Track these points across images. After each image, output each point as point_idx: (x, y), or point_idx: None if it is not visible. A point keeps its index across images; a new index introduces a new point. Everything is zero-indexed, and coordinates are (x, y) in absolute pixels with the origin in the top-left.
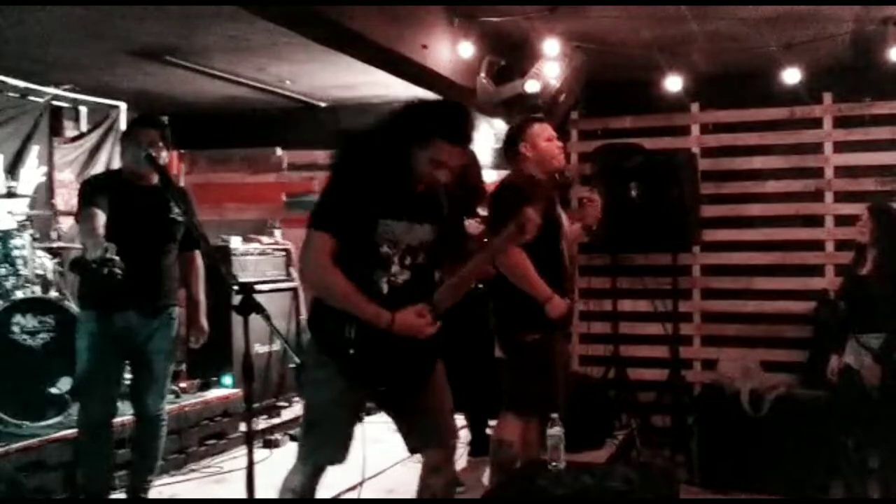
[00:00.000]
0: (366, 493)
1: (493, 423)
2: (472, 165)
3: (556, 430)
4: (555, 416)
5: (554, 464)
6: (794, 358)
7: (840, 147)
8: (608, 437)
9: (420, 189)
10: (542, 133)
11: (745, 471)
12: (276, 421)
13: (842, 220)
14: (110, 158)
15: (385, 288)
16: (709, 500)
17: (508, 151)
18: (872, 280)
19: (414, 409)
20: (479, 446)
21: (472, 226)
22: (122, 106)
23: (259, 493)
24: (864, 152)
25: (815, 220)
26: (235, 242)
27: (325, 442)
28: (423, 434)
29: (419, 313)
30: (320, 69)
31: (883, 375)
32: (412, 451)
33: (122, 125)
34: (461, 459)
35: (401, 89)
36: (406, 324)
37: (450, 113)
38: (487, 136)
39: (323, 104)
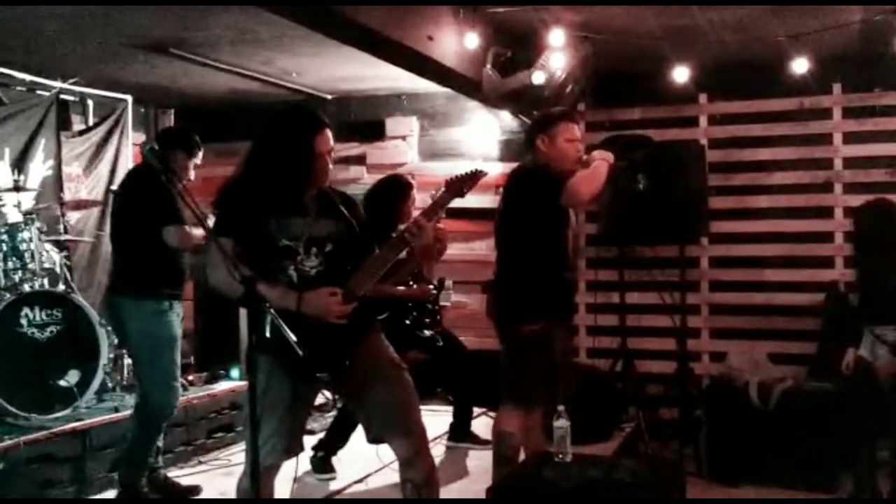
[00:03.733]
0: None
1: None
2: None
3: (562, 423)
4: (561, 408)
5: (560, 456)
6: (803, 350)
7: (849, 138)
8: (615, 430)
9: (317, 183)
10: (565, 132)
11: (753, 463)
12: None
13: (851, 212)
14: (117, 152)
15: (294, 276)
16: (726, 500)
17: (528, 141)
18: (885, 273)
19: (366, 400)
20: (459, 432)
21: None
22: (129, 99)
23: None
24: (874, 143)
25: (825, 212)
26: None
27: (267, 437)
28: (381, 425)
29: (330, 293)
30: (327, 62)
31: None
32: (370, 441)
33: (129, 118)
34: (438, 446)
35: (407, 81)
36: (314, 302)
37: (303, 108)
38: (493, 128)
39: (330, 97)
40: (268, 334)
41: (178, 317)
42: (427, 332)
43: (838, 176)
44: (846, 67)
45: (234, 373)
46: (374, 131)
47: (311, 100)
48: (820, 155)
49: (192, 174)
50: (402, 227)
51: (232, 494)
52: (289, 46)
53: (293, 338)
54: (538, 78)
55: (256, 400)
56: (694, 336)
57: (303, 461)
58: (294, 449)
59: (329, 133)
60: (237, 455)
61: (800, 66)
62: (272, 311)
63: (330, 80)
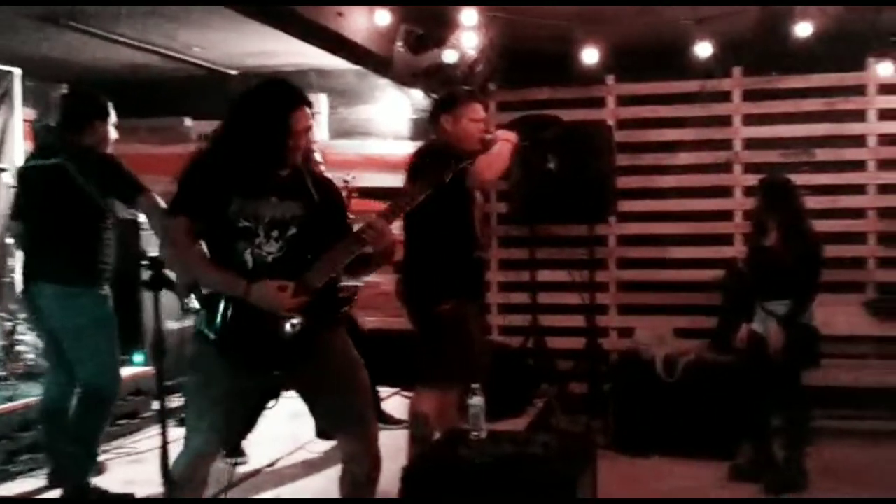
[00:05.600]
0: (285, 465)
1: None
2: None
3: (477, 400)
4: (476, 386)
5: (475, 433)
6: (706, 324)
7: (748, 120)
8: (527, 406)
9: (289, 162)
10: (469, 111)
11: (659, 434)
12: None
13: (750, 191)
14: (4, 126)
15: (250, 260)
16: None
17: (432, 119)
18: (777, 250)
19: (315, 393)
20: None
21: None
22: (17, 72)
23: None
24: (771, 125)
25: (725, 191)
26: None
27: (203, 427)
28: (331, 423)
29: (280, 287)
30: (232, 36)
31: (785, 340)
32: (318, 435)
33: (17, 92)
34: None
35: (316, 57)
36: (262, 295)
37: (282, 83)
38: (404, 106)
39: (234, 72)
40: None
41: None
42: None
43: (738, 156)
44: (746, 51)
45: (138, 358)
46: None
47: (214, 76)
48: (721, 136)
49: (114, 135)
50: (361, 225)
51: (139, 482)
52: (192, 20)
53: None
54: (450, 56)
55: (198, 391)
56: (602, 312)
57: None
58: (234, 440)
59: (308, 110)
60: (143, 442)
61: (703, 49)
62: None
63: (235, 56)
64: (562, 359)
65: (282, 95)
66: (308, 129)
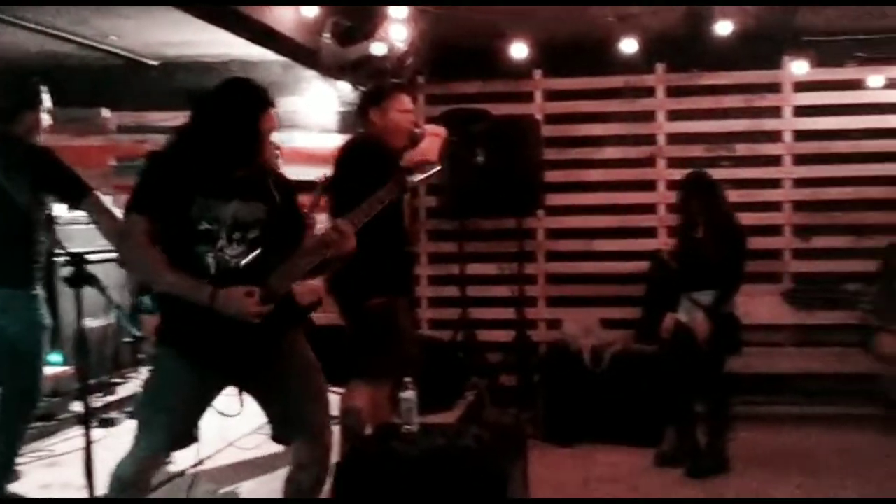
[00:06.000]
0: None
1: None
2: None
3: (409, 394)
4: (408, 379)
5: (407, 427)
6: (631, 315)
7: (671, 115)
8: (458, 399)
9: (254, 164)
10: (397, 104)
11: (588, 423)
12: (111, 399)
13: (673, 185)
14: None
15: (212, 264)
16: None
17: (360, 112)
18: (704, 242)
19: (271, 398)
20: None
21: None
22: None
23: (98, 476)
24: (693, 121)
25: (649, 185)
26: (60, 210)
27: (157, 427)
28: (284, 425)
29: (247, 293)
30: (152, 25)
31: (711, 329)
32: (273, 439)
33: None
34: None
35: (241, 49)
36: (229, 301)
37: (250, 83)
38: (332, 99)
39: (154, 63)
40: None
41: None
42: None
43: (661, 151)
44: (669, 49)
45: (55, 357)
46: None
47: (133, 66)
48: (645, 131)
49: (47, 121)
50: (327, 229)
51: (57, 486)
52: (106, 6)
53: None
54: (379, 49)
55: (156, 391)
56: (531, 305)
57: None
58: (184, 442)
59: (274, 112)
60: (60, 445)
61: (628, 45)
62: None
63: (155, 45)
64: (492, 351)
65: (251, 96)
66: (272, 130)
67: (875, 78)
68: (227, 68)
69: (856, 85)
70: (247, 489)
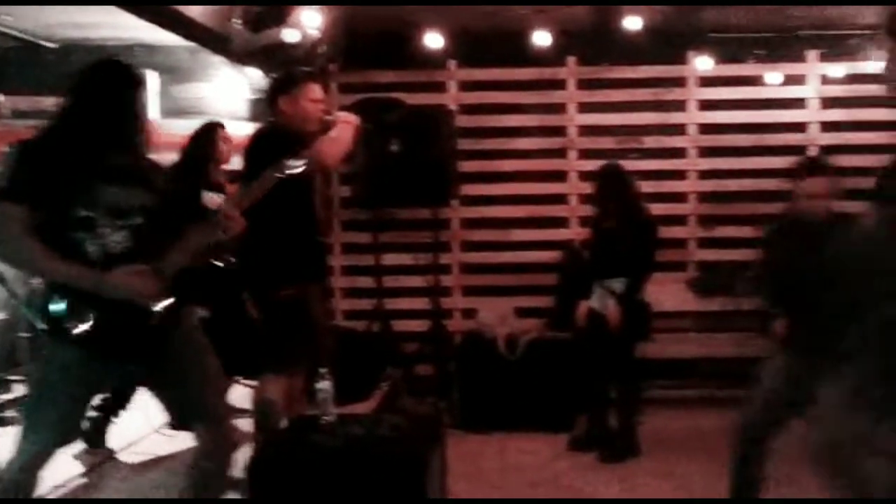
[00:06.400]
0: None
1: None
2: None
3: (325, 384)
4: (324, 370)
5: (324, 417)
6: (545, 304)
7: (583, 108)
8: (374, 390)
9: (132, 147)
10: (307, 92)
11: (503, 411)
12: (6, 397)
13: (584, 176)
14: None
15: (94, 251)
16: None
17: (269, 101)
18: (616, 231)
19: (167, 383)
20: None
21: (212, 199)
22: None
23: None
24: (603, 113)
25: (562, 176)
26: None
27: (49, 423)
28: (183, 410)
29: (137, 272)
30: (48, 5)
31: (623, 315)
32: (173, 428)
33: None
34: None
35: (146, 32)
36: (118, 282)
37: (119, 63)
38: (241, 86)
39: (52, 45)
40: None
41: None
42: None
43: (573, 143)
44: (581, 42)
45: None
46: None
47: (29, 48)
48: (557, 123)
49: None
50: (216, 211)
51: None
52: None
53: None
54: (291, 36)
55: (49, 386)
56: (446, 295)
57: None
58: (70, 438)
59: (145, 91)
60: None
61: (541, 38)
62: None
63: (54, 27)
64: (407, 341)
65: (121, 76)
66: (145, 111)
67: (773, 75)
68: (130, 52)
69: (756, 81)
70: (153, 482)
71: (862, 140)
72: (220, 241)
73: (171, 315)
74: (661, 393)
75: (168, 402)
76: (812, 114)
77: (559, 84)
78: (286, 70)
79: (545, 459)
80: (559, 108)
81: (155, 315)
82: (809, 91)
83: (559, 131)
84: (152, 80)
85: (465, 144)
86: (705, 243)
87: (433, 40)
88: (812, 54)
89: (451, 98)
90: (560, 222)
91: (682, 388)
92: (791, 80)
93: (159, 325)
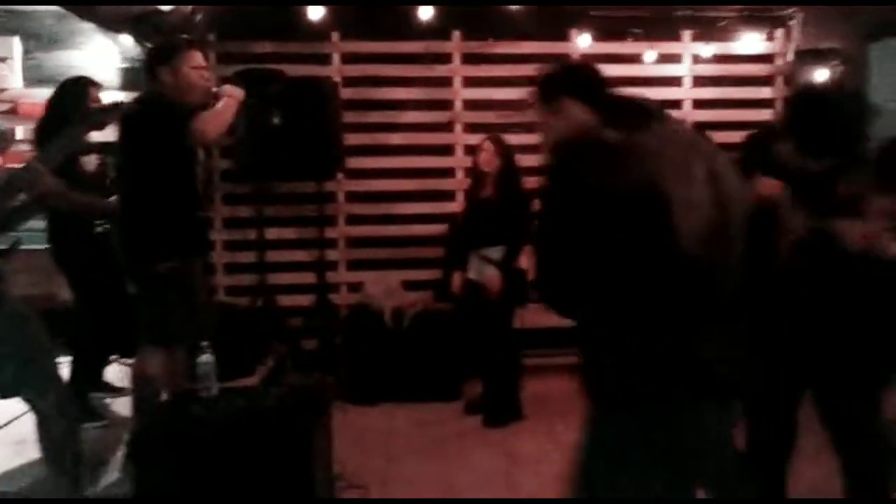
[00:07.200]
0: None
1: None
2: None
3: (206, 358)
4: (205, 343)
5: (206, 391)
6: (432, 276)
7: (468, 82)
8: (258, 366)
9: None
10: (189, 60)
11: (389, 383)
12: None
13: (470, 150)
14: None
15: None
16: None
17: (148, 71)
18: (493, 201)
19: None
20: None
21: (90, 162)
22: None
23: None
24: (488, 87)
25: (448, 149)
26: None
27: None
28: (14, 377)
29: None
30: None
31: (503, 282)
32: (3, 396)
33: None
34: None
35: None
36: None
37: None
38: (112, 53)
39: None
40: None
41: None
42: None
43: (458, 117)
44: (466, 16)
45: None
46: None
47: None
48: (443, 97)
49: None
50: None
51: None
52: None
53: None
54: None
55: None
56: (332, 268)
57: None
58: None
59: None
60: None
61: (425, 11)
62: None
63: None
64: (293, 316)
65: None
66: None
67: (650, 53)
68: None
69: (635, 59)
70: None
71: (730, 117)
72: (28, 203)
73: None
74: (541, 361)
75: None
76: (686, 91)
77: (445, 58)
78: (163, 38)
79: (431, 426)
80: (445, 82)
81: None
82: (684, 70)
83: (445, 105)
84: (14, 45)
85: (350, 117)
86: None
87: (315, 12)
88: (687, 34)
89: (335, 70)
90: (447, 196)
91: (560, 355)
92: (667, 58)
93: None
